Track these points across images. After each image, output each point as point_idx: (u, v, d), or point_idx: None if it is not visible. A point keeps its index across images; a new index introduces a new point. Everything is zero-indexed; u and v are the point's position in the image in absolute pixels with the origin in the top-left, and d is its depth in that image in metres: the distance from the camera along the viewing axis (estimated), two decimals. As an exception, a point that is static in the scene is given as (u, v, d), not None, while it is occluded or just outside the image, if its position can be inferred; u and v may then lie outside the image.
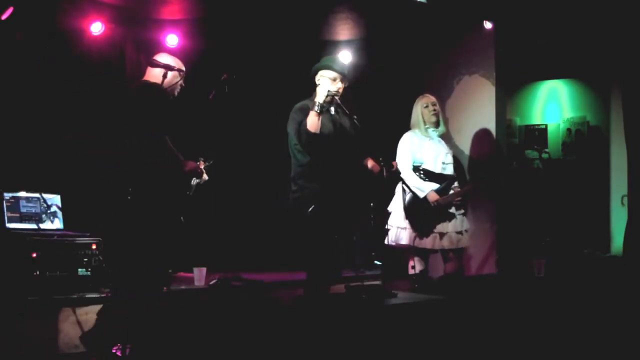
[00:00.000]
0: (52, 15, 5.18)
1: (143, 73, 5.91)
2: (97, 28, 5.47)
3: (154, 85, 4.07)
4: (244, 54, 6.16)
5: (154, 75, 4.15)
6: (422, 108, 5.36)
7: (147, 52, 5.93)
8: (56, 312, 4.16)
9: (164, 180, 3.94)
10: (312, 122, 4.18)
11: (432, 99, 5.42)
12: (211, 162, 4.45)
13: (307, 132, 4.18)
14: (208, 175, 4.40)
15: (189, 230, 6.01)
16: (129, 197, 4.35)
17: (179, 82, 4.23)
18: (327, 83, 4.36)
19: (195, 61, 5.99)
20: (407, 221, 5.24)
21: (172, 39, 5.94)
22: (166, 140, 4.01)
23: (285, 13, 5.68)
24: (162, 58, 4.19)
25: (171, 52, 5.84)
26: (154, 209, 3.90)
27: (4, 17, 4.85)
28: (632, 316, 4.29)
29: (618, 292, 4.71)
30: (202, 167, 4.37)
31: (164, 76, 4.00)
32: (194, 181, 4.24)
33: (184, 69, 4.25)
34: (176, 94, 4.24)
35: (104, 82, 5.67)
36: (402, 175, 5.19)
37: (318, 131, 4.19)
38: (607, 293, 4.65)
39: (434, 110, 5.36)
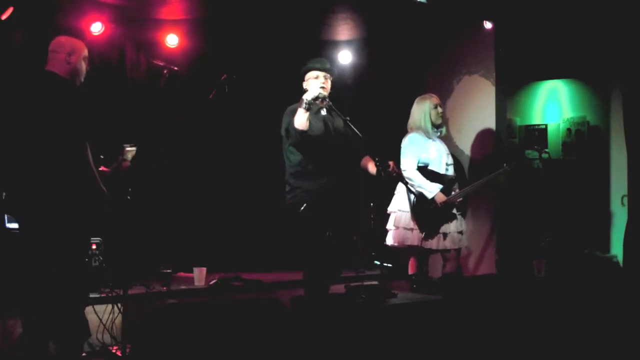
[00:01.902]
0: (51, 15, 5.19)
1: (143, 73, 6.00)
2: (97, 28, 5.47)
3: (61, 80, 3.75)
4: (244, 54, 6.17)
5: (55, 63, 3.81)
6: (430, 109, 5.31)
7: (147, 52, 5.95)
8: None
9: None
10: (299, 119, 4.16)
11: (439, 100, 5.42)
12: (134, 148, 4.27)
13: (295, 129, 4.18)
14: (137, 162, 4.21)
15: (188, 230, 6.06)
16: (128, 197, 4.36)
17: (85, 66, 3.88)
18: (313, 84, 4.38)
19: (195, 61, 6.02)
20: (413, 222, 5.22)
21: (172, 39, 5.94)
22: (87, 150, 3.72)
23: (285, 13, 5.68)
24: (64, 41, 3.83)
25: (171, 52, 5.90)
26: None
27: (3, 17, 4.85)
28: (632, 316, 4.29)
29: (618, 292, 4.71)
30: (126, 154, 4.23)
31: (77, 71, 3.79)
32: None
33: (86, 50, 3.91)
34: (82, 79, 3.89)
35: (104, 82, 5.68)
36: (406, 176, 5.15)
37: (306, 128, 4.18)
38: (607, 293, 4.64)
39: (442, 112, 5.37)
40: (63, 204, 3.63)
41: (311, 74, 4.44)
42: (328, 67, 4.49)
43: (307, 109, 4.17)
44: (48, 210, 3.63)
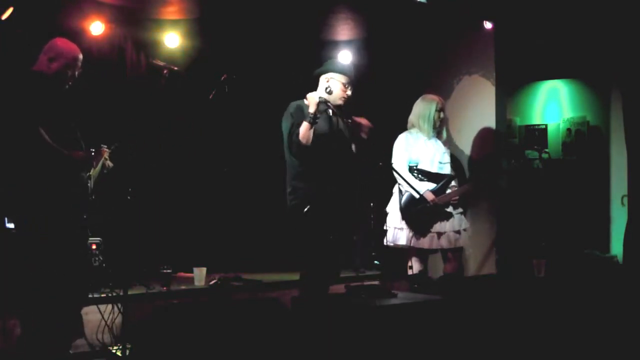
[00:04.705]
0: (52, 15, 5.18)
1: (143, 73, 6.00)
2: (97, 28, 5.47)
3: (31, 74, 3.73)
4: (244, 54, 6.17)
5: (39, 62, 3.79)
6: (435, 111, 5.35)
7: (147, 52, 5.95)
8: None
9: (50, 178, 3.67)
10: (305, 134, 4.13)
11: (444, 104, 5.45)
12: (115, 146, 4.31)
13: (299, 142, 4.15)
14: (118, 163, 4.23)
15: (188, 230, 6.07)
16: (128, 197, 4.35)
17: (70, 73, 3.82)
18: (337, 86, 4.34)
19: (195, 61, 6.02)
20: (403, 222, 5.25)
21: (172, 39, 5.94)
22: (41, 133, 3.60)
23: (285, 13, 5.68)
24: (53, 45, 3.80)
25: (171, 52, 5.90)
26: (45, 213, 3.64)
27: (3, 17, 4.85)
28: (632, 316, 4.29)
29: (618, 292, 4.71)
30: (105, 155, 4.25)
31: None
32: (86, 174, 3.89)
33: (78, 57, 3.87)
34: (70, 83, 3.86)
35: (104, 82, 5.67)
36: (398, 176, 5.18)
37: (309, 143, 4.15)
38: (607, 293, 4.64)
39: (444, 115, 5.41)
40: (38, 195, 3.62)
41: (338, 77, 4.37)
42: (354, 82, 4.44)
43: (313, 124, 4.14)
44: (28, 206, 3.63)
